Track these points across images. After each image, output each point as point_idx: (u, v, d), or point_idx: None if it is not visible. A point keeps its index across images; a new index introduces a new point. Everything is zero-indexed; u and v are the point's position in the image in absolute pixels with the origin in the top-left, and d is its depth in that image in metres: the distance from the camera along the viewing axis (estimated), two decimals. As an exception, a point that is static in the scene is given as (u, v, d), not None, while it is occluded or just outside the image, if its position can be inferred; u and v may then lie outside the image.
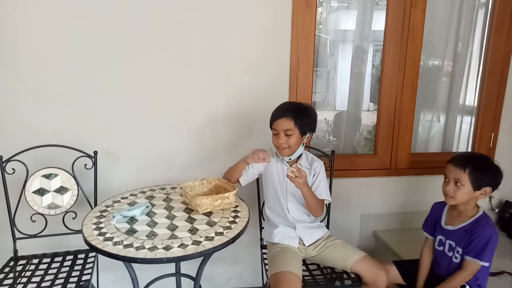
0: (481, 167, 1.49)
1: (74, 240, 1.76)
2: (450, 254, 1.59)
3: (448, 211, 1.65)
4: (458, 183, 1.49)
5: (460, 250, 1.55)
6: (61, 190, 1.79)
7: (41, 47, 1.80)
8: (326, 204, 1.85)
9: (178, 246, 1.28)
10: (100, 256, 1.58)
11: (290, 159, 1.73)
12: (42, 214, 1.76)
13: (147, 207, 1.56)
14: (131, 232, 1.38)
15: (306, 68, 2.05)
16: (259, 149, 1.71)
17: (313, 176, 1.76)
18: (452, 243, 1.58)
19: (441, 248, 1.63)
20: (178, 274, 1.88)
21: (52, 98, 1.85)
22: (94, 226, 1.43)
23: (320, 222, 1.88)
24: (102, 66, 1.86)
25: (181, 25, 1.88)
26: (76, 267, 1.71)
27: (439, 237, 1.64)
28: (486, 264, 1.48)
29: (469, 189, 1.49)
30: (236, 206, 1.63)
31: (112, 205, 1.62)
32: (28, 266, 1.71)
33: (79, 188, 1.82)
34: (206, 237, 1.35)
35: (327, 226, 1.97)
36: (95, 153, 1.84)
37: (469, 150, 2.41)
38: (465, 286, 1.54)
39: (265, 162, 1.71)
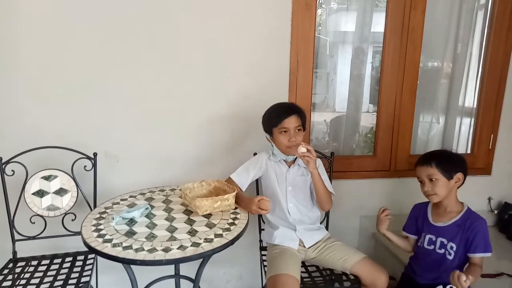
0: (444, 157, 1.59)
1: (74, 241, 1.76)
2: (442, 251, 1.60)
3: (433, 209, 1.68)
4: (432, 178, 1.57)
5: (453, 246, 1.57)
6: (61, 191, 1.79)
7: (41, 48, 1.80)
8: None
9: (177, 248, 1.28)
10: (99, 257, 1.58)
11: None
12: (42, 216, 1.76)
13: (146, 208, 1.56)
14: (130, 233, 1.38)
15: (306, 70, 2.05)
16: (261, 199, 1.59)
17: None
18: (444, 240, 1.60)
19: (431, 247, 1.64)
20: (177, 276, 1.88)
21: (51, 100, 1.85)
22: (93, 228, 1.42)
23: (320, 223, 1.88)
24: (102, 68, 1.86)
25: (182, 27, 1.88)
26: (75, 269, 1.71)
27: (428, 236, 1.66)
28: (490, 254, 1.53)
29: (444, 181, 1.57)
30: (236, 208, 1.63)
31: (111, 207, 1.62)
32: (27, 267, 1.71)
33: (79, 189, 1.82)
34: (205, 239, 1.35)
35: (326, 228, 1.97)
36: (95, 154, 1.84)
37: (468, 152, 2.42)
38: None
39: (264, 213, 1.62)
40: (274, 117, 1.70)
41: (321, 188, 1.70)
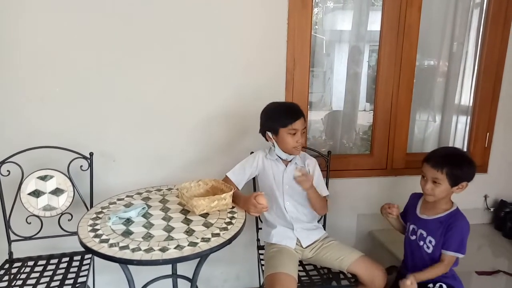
0: (457, 166, 1.53)
1: (70, 242, 1.75)
2: (421, 243, 1.61)
3: (423, 202, 1.69)
4: (436, 182, 1.54)
5: (432, 240, 1.57)
6: (57, 191, 1.78)
7: (39, 47, 1.78)
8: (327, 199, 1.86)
9: (175, 248, 1.28)
10: (96, 258, 1.58)
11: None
12: (38, 216, 1.75)
13: (143, 208, 1.55)
14: (127, 233, 1.38)
15: (303, 69, 2.05)
16: (257, 195, 1.57)
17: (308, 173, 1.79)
18: (424, 232, 1.61)
19: (413, 237, 1.65)
20: (174, 275, 1.88)
21: (48, 99, 1.84)
22: (90, 228, 1.42)
23: (317, 222, 1.89)
24: (98, 67, 1.85)
25: (178, 27, 1.87)
26: (72, 269, 1.70)
27: (411, 226, 1.67)
28: (462, 256, 1.52)
29: (446, 187, 1.54)
30: (233, 207, 1.63)
31: (108, 207, 1.62)
32: (24, 268, 1.70)
33: (75, 189, 1.81)
34: (202, 238, 1.35)
35: (324, 227, 1.98)
36: (91, 154, 1.83)
37: (465, 150, 2.42)
38: (441, 286, 1.55)
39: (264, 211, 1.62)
40: (284, 118, 1.68)
41: (316, 201, 1.74)
